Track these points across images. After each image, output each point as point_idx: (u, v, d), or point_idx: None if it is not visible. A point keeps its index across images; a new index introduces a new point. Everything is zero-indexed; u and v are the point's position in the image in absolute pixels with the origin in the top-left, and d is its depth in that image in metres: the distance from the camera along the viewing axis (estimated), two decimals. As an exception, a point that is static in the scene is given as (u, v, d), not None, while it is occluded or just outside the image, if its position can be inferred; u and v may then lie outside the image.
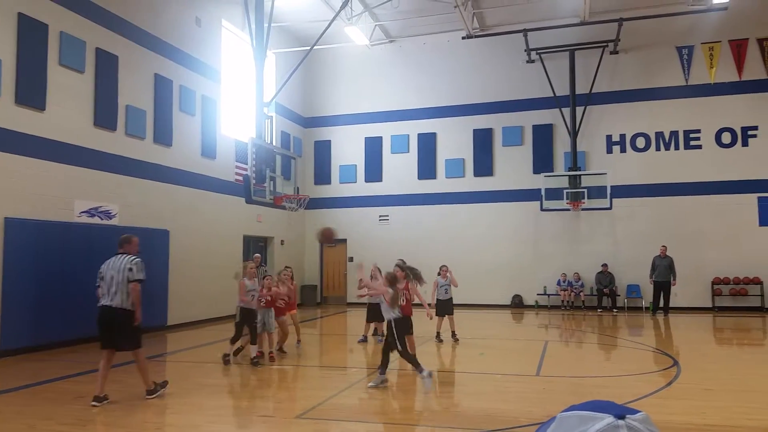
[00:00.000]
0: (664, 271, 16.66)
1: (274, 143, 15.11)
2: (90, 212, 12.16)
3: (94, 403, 6.81)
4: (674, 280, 16.63)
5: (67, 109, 11.78)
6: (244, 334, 9.57)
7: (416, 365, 7.74)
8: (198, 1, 15.99)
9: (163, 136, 14.41)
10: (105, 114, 12.68)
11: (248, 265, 10.04)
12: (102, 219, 12.42)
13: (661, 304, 16.69)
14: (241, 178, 16.20)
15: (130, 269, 6.98)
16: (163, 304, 13.78)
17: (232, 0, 17.38)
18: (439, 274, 12.06)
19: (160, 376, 7.83)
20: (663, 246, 16.96)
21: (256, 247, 18.88)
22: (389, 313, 7.90)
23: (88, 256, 11.66)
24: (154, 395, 7.16)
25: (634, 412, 1.09)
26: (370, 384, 7.86)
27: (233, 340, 9.61)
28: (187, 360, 10.52)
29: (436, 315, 11.72)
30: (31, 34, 11.02)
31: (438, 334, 11.81)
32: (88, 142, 12.24)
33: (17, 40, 10.78)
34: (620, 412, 1.07)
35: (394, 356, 8.10)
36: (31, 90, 10.99)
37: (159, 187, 14.17)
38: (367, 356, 10.55)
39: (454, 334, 11.78)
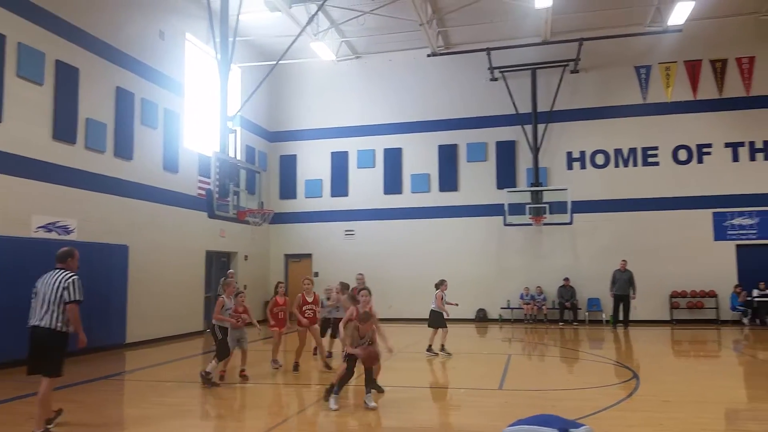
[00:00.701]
0: (623, 285, 17.08)
1: (238, 157, 15.02)
2: (47, 227, 11.85)
3: (47, 426, 6.38)
4: (634, 293, 17.05)
5: (25, 122, 11.50)
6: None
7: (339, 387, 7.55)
8: (162, 14, 15.85)
9: (124, 149, 14.17)
10: (64, 127, 12.42)
11: (231, 283, 9.92)
12: (60, 234, 12.12)
13: (621, 317, 17.07)
14: (203, 192, 16.03)
15: (66, 289, 6.33)
16: (121, 321, 13.47)
17: (196, 14, 17.27)
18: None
19: (117, 396, 7.63)
20: (623, 260, 17.38)
21: (218, 262, 18.62)
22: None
23: (45, 272, 11.36)
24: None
25: (578, 425, 1.12)
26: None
27: (221, 358, 9.29)
28: (146, 379, 10.27)
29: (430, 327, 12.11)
30: (-13, 45, 10.76)
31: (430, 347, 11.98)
32: (46, 155, 11.96)
33: (-28, 50, 10.51)
34: (564, 426, 1.11)
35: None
36: (-14, 102, 10.70)
37: (119, 202, 13.90)
38: (331, 374, 10.46)
39: (443, 348, 11.88)
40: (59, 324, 6.34)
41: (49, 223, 11.91)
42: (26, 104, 11.55)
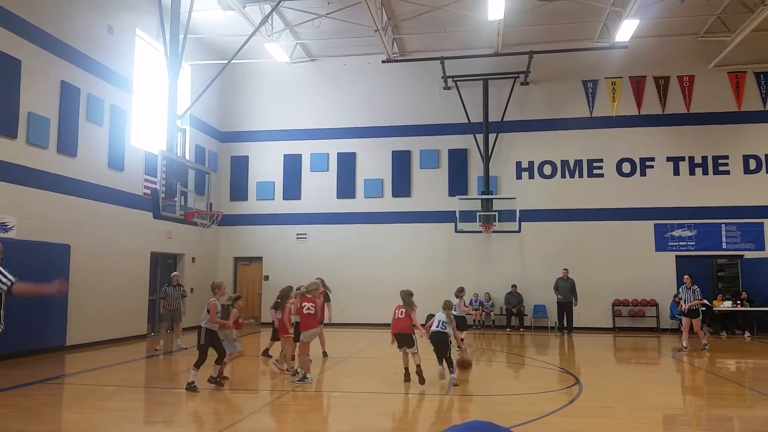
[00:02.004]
0: (566, 293, 17.59)
1: (187, 157, 14.72)
2: (-18, 224, 11.34)
3: None
4: (576, 301, 17.52)
5: (-40, 114, 10.99)
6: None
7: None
8: (111, 8, 15.42)
9: (68, 145, 13.70)
10: (4, 120, 11.92)
11: (222, 285, 9.93)
12: (-4, 232, 11.61)
13: (565, 323, 17.53)
14: (149, 191, 15.63)
15: None
16: (62, 322, 13.00)
17: (147, 9, 16.86)
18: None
19: (56, 400, 7.35)
20: (564, 269, 17.88)
21: (164, 264, 18.17)
22: None
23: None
24: None
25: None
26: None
27: (198, 364, 9.00)
28: (86, 383, 9.93)
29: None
30: None
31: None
32: (-17, 149, 11.46)
33: None
34: (493, 432, 1.12)
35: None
36: None
37: (61, 199, 13.42)
38: (278, 378, 10.35)
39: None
40: None
41: (-15, 220, 11.39)
42: (-37, 95, 11.05)
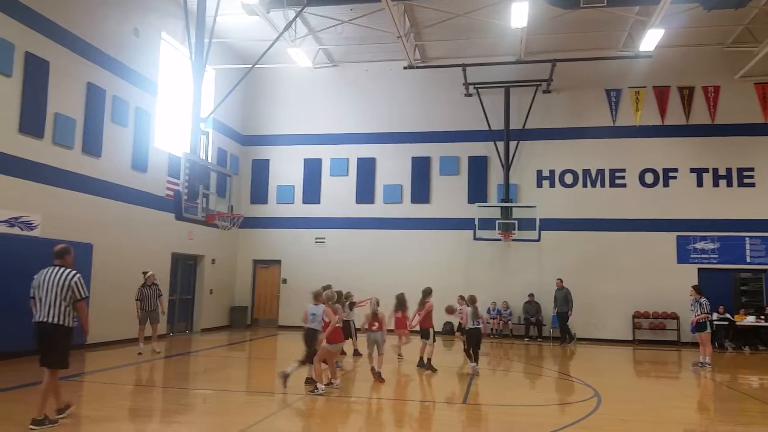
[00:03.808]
0: (561, 303, 17.67)
1: (209, 159, 14.87)
2: (9, 222, 11.54)
3: (59, 416, 6.75)
4: (570, 310, 17.58)
5: (-10, 113, 11.22)
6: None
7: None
8: (138, 11, 15.65)
9: (93, 146, 13.91)
10: (32, 120, 12.13)
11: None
12: (22, 230, 11.81)
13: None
14: (172, 193, 15.78)
15: (71, 287, 6.63)
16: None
17: (173, 13, 17.10)
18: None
19: (75, 397, 7.44)
20: (559, 279, 17.94)
21: (185, 265, 18.35)
22: None
23: (4, 268, 11.08)
24: (38, 427, 6.41)
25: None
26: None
27: (305, 362, 9.51)
28: (105, 381, 10.04)
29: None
30: (-46, 33, 10.48)
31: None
32: (11, 148, 11.67)
33: (-61, 37, 10.23)
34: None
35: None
36: (-50, 91, 10.41)
37: (85, 199, 13.61)
38: (296, 381, 10.37)
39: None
40: (65, 319, 6.63)
41: (12, 218, 11.60)
42: (-7, 96, 11.27)
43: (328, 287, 10.54)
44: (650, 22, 15.71)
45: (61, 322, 6.61)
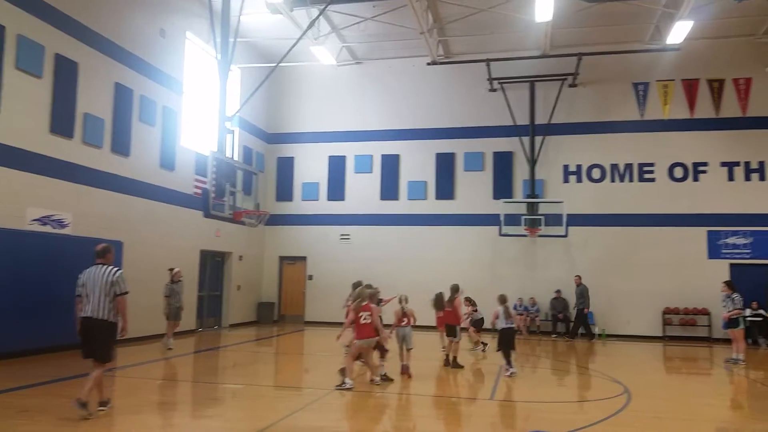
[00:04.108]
0: (577, 299, 17.62)
1: (235, 158, 14.98)
2: (42, 220, 11.78)
3: (100, 408, 7.04)
4: (587, 307, 17.44)
5: (23, 115, 11.45)
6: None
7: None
8: (163, 12, 15.84)
9: (122, 145, 14.12)
10: (62, 121, 12.36)
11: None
12: (54, 228, 12.04)
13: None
14: (200, 191, 15.98)
15: (114, 283, 6.96)
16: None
17: (197, 13, 17.28)
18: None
19: (108, 391, 7.57)
20: (577, 275, 17.87)
21: (213, 261, 18.56)
22: None
23: (38, 265, 11.33)
24: (105, 407, 7.11)
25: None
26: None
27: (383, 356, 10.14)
28: (135, 376, 10.20)
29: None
30: (-13, 36, 10.71)
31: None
32: (43, 148, 11.90)
33: (-27, 40, 10.46)
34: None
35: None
36: (-16, 92, 10.65)
37: (115, 198, 13.83)
38: (323, 376, 10.43)
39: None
40: (109, 315, 6.97)
41: (44, 217, 11.84)
42: (24, 97, 11.50)
43: (359, 284, 10.61)
44: (678, 14, 15.44)
45: (106, 318, 6.94)
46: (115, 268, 7.11)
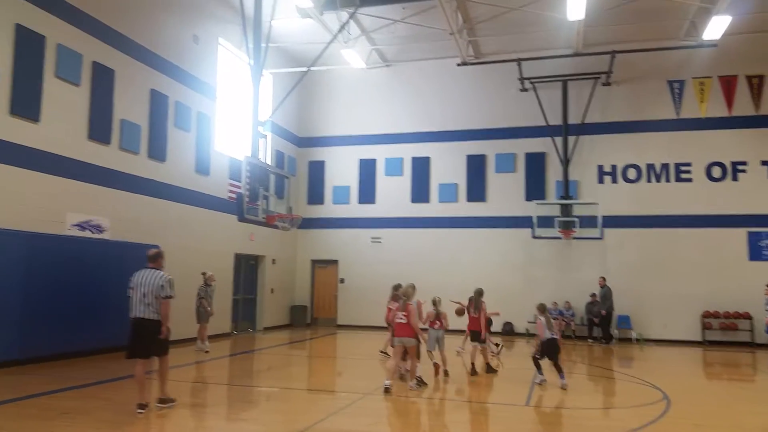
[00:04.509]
0: (601, 302, 17.44)
1: (268, 162, 15.12)
2: (81, 225, 12.05)
3: (139, 410, 7.23)
4: (604, 310, 17.28)
5: (62, 122, 11.73)
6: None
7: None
8: (196, 19, 16.08)
9: (158, 151, 14.37)
10: (99, 127, 12.63)
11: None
12: (93, 232, 12.31)
13: (596, 333, 17.67)
14: (234, 195, 16.17)
15: (162, 286, 7.40)
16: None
17: (230, 19, 17.49)
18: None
19: (147, 395, 7.68)
20: (601, 277, 17.71)
21: (247, 265, 18.74)
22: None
23: (77, 269, 11.58)
24: (164, 405, 7.52)
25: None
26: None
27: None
28: (172, 378, 10.30)
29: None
30: (28, 46, 11.01)
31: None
32: (81, 154, 12.18)
33: (14, 51, 10.76)
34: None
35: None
36: (26, 101, 10.95)
37: (151, 202, 14.08)
38: (356, 380, 10.43)
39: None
40: (158, 314, 7.42)
41: (83, 221, 12.10)
42: (63, 105, 11.78)
43: (398, 286, 10.71)
44: (715, 9, 15.06)
45: (157, 318, 7.41)
46: (165, 273, 7.56)
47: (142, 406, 7.26)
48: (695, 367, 14.07)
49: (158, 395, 7.60)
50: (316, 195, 21.67)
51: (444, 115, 20.72)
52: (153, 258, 7.68)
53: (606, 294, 17.33)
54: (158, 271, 7.55)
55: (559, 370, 9.97)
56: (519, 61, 19.14)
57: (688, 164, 18.50)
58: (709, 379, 12.71)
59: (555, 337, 10.14)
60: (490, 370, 11.26)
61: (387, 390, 8.83)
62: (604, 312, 17.29)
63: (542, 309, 10.32)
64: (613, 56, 18.30)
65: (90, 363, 11.10)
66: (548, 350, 10.09)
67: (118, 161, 13.14)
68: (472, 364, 11.14)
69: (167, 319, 7.46)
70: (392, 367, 9.40)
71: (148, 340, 7.41)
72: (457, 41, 17.76)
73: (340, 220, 21.23)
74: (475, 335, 11.25)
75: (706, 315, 17.66)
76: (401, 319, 9.44)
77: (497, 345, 13.97)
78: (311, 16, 16.73)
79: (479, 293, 11.56)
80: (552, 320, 10.32)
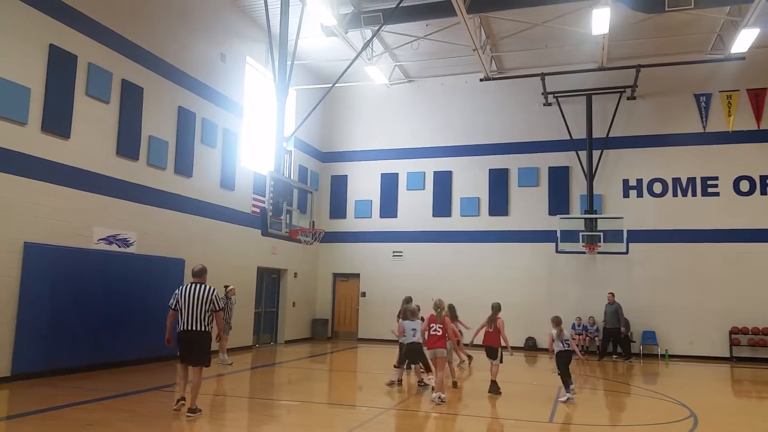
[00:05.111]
0: (611, 318, 16.93)
1: (291, 177, 15.28)
2: (108, 239, 12.30)
3: (180, 402, 7.99)
4: (623, 327, 16.89)
5: (92, 138, 12.04)
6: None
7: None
8: (224, 37, 16.40)
9: (184, 167, 14.64)
10: (128, 144, 12.93)
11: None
12: (120, 246, 12.55)
13: (611, 349, 17.37)
14: (257, 210, 16.38)
15: (212, 301, 8.01)
16: (174, 333, 13.73)
17: (256, 38, 17.81)
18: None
19: (168, 407, 7.80)
20: (610, 293, 17.25)
21: (269, 278, 18.91)
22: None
23: (103, 283, 11.81)
24: (194, 414, 7.81)
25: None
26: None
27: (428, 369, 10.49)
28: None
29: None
30: (60, 65, 11.34)
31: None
32: (110, 170, 12.46)
33: (47, 69, 11.09)
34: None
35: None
36: (57, 118, 11.26)
37: (177, 217, 14.32)
38: (376, 395, 10.43)
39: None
40: (207, 326, 8.02)
41: (110, 236, 12.35)
42: (93, 121, 12.09)
43: (409, 299, 10.82)
44: (743, 22, 14.91)
45: (204, 329, 7.99)
46: (212, 288, 8.13)
47: (182, 400, 7.97)
48: (723, 384, 13.78)
49: (188, 405, 7.90)
50: (338, 209, 21.82)
51: (466, 129, 20.77)
52: (198, 273, 8.19)
53: (617, 310, 17.00)
54: (205, 285, 8.06)
55: (565, 384, 9.96)
56: (543, 75, 19.13)
57: (715, 178, 18.24)
58: (738, 396, 12.44)
59: (567, 349, 10.10)
60: (494, 389, 10.50)
61: (441, 401, 9.22)
62: (623, 329, 16.97)
63: (556, 321, 10.26)
64: (638, 70, 18.19)
65: (115, 375, 11.28)
66: (558, 362, 10.13)
67: (145, 177, 13.42)
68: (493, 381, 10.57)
69: (222, 329, 8.16)
70: (440, 380, 9.52)
71: (194, 350, 7.95)
72: (480, 57, 17.83)
73: (361, 234, 21.32)
74: (490, 351, 10.65)
75: (734, 331, 17.31)
76: (437, 331, 9.73)
77: (469, 357, 13.92)
78: (336, 34, 16.96)
79: (496, 308, 10.90)
80: (563, 331, 10.20)
